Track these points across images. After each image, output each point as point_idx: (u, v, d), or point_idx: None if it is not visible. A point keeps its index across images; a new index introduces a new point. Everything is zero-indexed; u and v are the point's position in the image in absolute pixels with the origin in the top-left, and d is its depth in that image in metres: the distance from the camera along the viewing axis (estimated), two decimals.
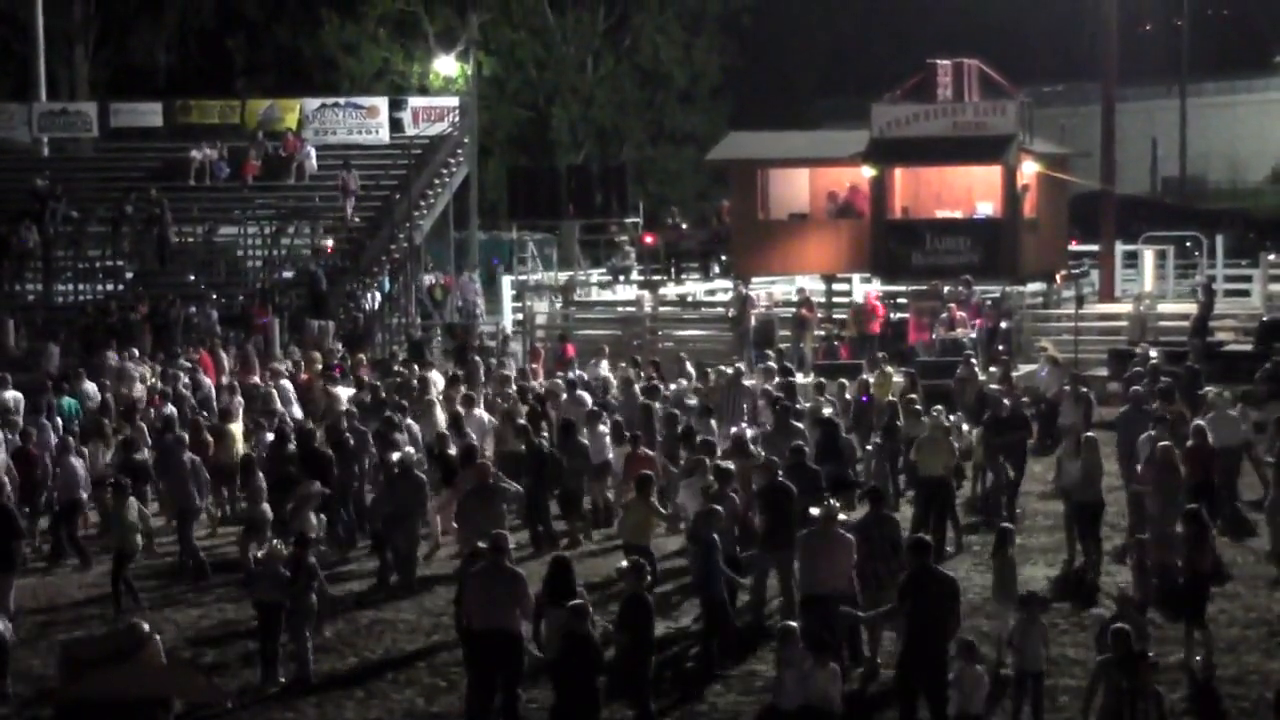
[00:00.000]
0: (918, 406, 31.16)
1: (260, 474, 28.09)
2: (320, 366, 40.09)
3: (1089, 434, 27.34)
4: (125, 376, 38.75)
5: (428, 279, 56.81)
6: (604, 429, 30.66)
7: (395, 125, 59.58)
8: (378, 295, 52.85)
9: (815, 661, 18.18)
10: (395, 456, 27.92)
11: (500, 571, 19.53)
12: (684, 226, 56.53)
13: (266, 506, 27.25)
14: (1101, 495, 26.53)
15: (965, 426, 31.42)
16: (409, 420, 31.78)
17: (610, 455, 30.12)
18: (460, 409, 32.23)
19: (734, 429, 30.36)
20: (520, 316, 51.45)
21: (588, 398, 34.16)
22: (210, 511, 30.59)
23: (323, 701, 21.20)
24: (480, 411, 32.58)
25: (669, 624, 23.71)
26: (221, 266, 54.02)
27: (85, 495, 29.45)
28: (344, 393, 36.05)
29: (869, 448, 31.82)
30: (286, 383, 36.93)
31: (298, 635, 21.88)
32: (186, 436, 29.54)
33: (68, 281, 53.92)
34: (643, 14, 78.61)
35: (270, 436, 30.93)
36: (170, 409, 33.90)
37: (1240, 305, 49.02)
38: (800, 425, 29.60)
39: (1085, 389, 33.61)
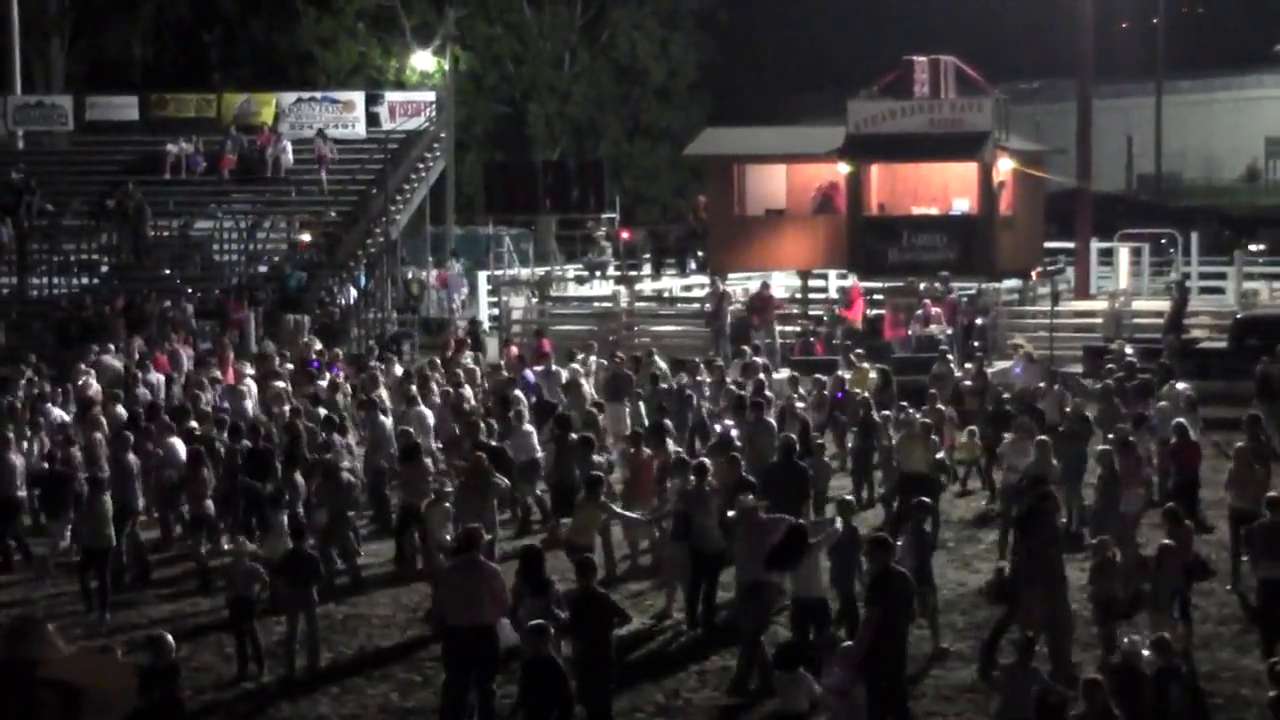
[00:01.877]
0: (903, 403, 31.23)
1: (206, 471, 27.96)
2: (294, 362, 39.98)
3: (1041, 437, 27.29)
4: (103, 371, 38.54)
5: (415, 272, 56.93)
6: (529, 428, 30.65)
7: (372, 120, 59.49)
8: (353, 291, 52.71)
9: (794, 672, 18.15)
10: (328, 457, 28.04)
11: (476, 567, 19.44)
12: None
13: (210, 504, 27.29)
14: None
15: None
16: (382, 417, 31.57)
17: (539, 454, 30.02)
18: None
19: (718, 426, 30.41)
20: (496, 312, 51.41)
21: (521, 396, 34.00)
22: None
23: (297, 697, 21.17)
24: (422, 408, 32.37)
25: (644, 619, 23.71)
26: (197, 260, 53.92)
27: (22, 493, 29.19)
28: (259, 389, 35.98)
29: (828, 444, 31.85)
30: (251, 383, 36.71)
31: (310, 624, 22.12)
32: (131, 436, 29.27)
33: (43, 275, 53.74)
34: (620, 9, 78.67)
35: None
36: (120, 409, 33.58)
37: (1215, 302, 49.18)
38: (773, 421, 29.61)
39: (1059, 385, 33.68)
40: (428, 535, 25.36)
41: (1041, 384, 33.69)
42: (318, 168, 56.82)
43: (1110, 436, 28.58)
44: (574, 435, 29.22)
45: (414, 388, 33.90)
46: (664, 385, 34.44)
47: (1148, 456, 27.99)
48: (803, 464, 26.61)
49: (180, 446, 28.87)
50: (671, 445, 29.47)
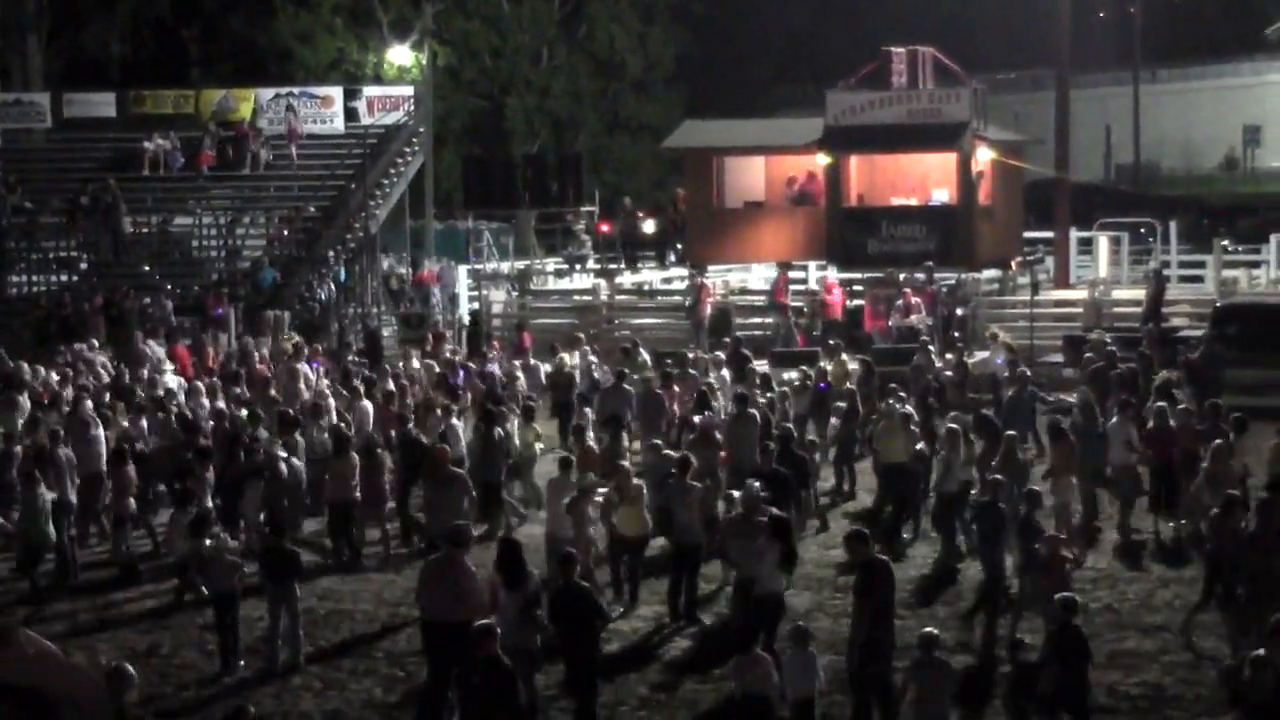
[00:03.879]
0: (902, 394, 31.15)
1: (131, 468, 27.85)
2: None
3: (951, 425, 27.25)
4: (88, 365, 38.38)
5: (393, 267, 56.91)
6: (456, 422, 30.61)
7: (350, 115, 59.37)
8: (332, 286, 52.60)
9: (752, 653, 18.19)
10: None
11: (453, 565, 19.36)
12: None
13: (132, 501, 27.26)
14: (955, 486, 26.36)
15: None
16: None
17: (463, 449, 29.81)
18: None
19: (697, 418, 30.38)
20: (476, 306, 51.34)
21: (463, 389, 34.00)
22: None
23: (280, 692, 21.12)
24: (365, 403, 32.22)
25: (616, 605, 23.65)
26: (176, 257, 53.83)
27: None
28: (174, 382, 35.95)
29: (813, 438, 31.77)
30: (170, 377, 36.64)
31: (291, 618, 22.05)
32: (61, 431, 29.20)
33: (21, 273, 53.64)
34: (597, 3, 78.59)
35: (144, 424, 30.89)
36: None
37: (1194, 291, 49.23)
38: (755, 412, 29.55)
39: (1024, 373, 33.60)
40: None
41: (1007, 374, 33.60)
42: (288, 144, 56.87)
43: (1112, 422, 28.57)
44: (499, 430, 29.21)
45: (359, 383, 33.81)
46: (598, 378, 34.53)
47: (1133, 443, 28.05)
48: (801, 454, 26.78)
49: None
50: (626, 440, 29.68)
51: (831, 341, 38.82)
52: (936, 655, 17.77)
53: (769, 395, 32.66)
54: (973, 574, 25.03)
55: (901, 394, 31.01)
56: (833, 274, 46.88)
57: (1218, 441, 25.93)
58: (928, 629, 18.31)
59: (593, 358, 37.99)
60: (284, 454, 28.12)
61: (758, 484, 22.78)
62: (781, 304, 44.84)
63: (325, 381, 35.66)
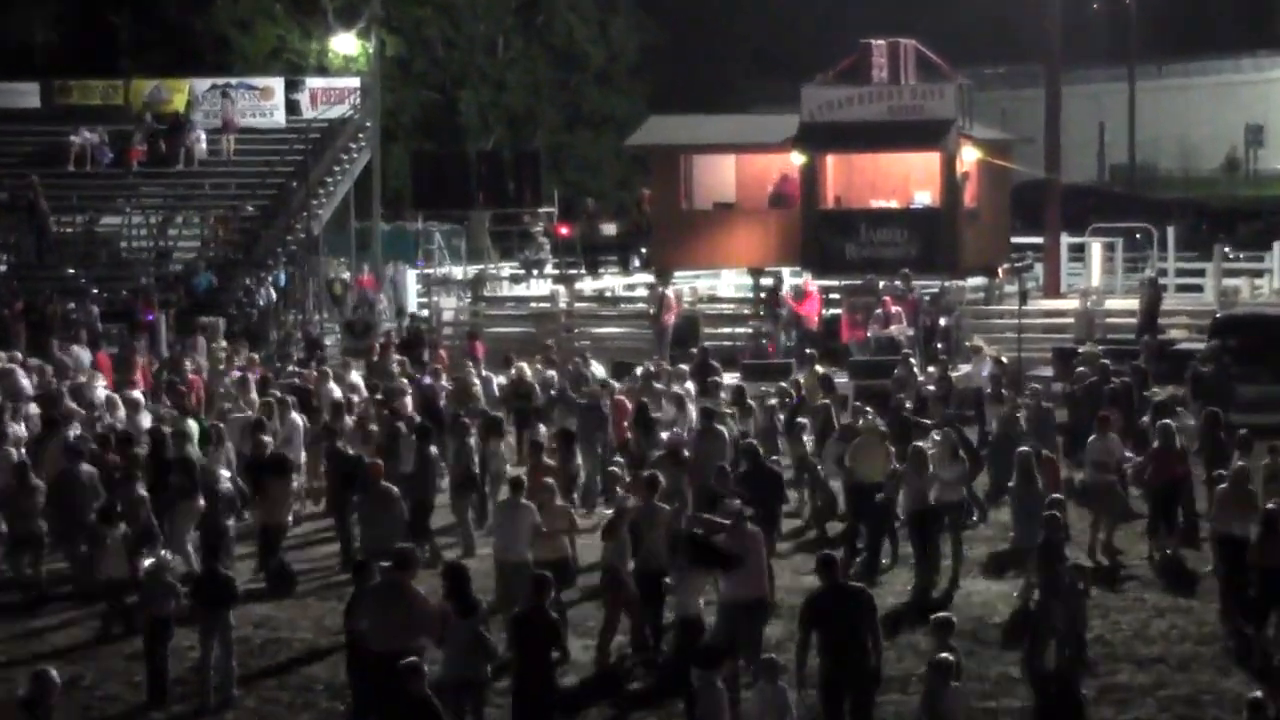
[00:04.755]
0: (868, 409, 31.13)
1: (40, 486, 27.70)
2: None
3: (917, 444, 27.30)
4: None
5: (337, 271, 56.84)
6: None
7: (291, 107, 59.23)
8: (272, 291, 52.43)
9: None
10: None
11: (403, 591, 19.27)
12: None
13: (42, 522, 27.07)
14: (925, 504, 26.41)
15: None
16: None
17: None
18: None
19: (666, 435, 30.35)
20: (427, 312, 51.26)
21: (407, 406, 34.00)
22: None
23: None
24: (295, 416, 32.20)
25: (586, 642, 23.60)
26: (104, 259, 53.60)
27: None
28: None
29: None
30: (100, 390, 36.58)
31: (224, 648, 21.89)
32: None
33: None
34: None
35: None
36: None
37: (1193, 301, 49.34)
38: (723, 429, 29.52)
39: (1007, 391, 33.67)
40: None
41: (989, 389, 33.64)
42: (223, 133, 56.79)
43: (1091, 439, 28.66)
44: (434, 448, 29.22)
45: (282, 395, 33.69)
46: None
47: (1120, 461, 28.21)
48: (774, 467, 26.82)
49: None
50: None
51: (807, 352, 38.85)
52: (954, 685, 17.94)
53: (742, 407, 32.59)
54: (958, 601, 25.12)
55: (868, 410, 30.97)
56: (812, 281, 46.86)
57: (1240, 464, 25.90)
58: (943, 655, 18.36)
59: (551, 371, 37.87)
60: (227, 472, 28.10)
61: (737, 502, 22.80)
62: (778, 311, 44.86)
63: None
